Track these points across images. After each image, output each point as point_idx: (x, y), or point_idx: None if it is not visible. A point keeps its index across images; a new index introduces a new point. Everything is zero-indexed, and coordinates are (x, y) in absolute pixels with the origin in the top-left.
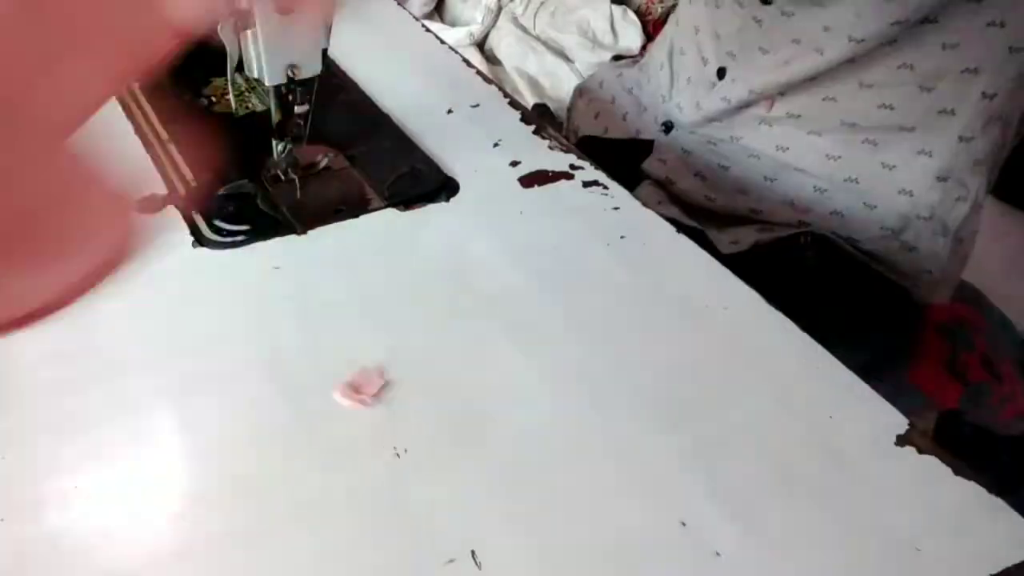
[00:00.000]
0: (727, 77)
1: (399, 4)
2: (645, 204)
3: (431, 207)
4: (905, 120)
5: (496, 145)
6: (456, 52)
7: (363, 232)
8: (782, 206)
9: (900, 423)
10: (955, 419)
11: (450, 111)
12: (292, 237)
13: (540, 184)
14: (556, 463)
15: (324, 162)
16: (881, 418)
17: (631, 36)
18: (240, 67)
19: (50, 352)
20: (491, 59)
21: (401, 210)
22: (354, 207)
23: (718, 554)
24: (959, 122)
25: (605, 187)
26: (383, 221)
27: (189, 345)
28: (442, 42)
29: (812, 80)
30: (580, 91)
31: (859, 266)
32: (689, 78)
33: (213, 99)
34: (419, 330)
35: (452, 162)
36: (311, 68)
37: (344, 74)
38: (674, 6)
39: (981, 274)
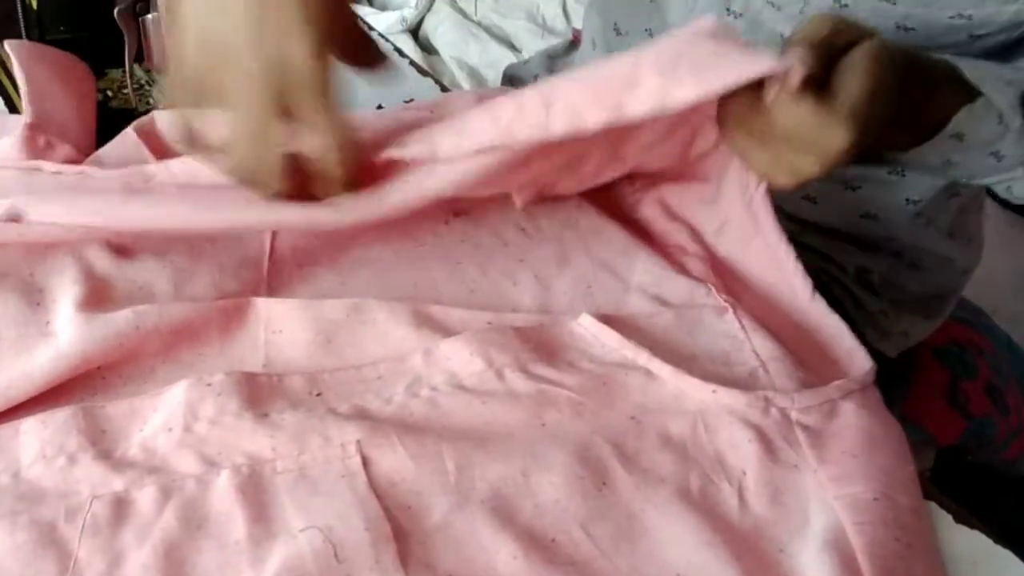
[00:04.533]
0: None
1: None
2: None
3: None
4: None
5: None
6: (387, 40)
7: None
8: None
9: None
10: (956, 458)
11: (380, 107)
12: None
13: None
14: None
15: None
16: None
17: None
18: (140, 57)
19: None
20: (426, 47)
21: None
22: None
23: None
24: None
25: None
26: None
27: None
28: (371, 28)
29: None
30: (509, 79)
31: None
32: None
33: (109, 93)
34: None
35: None
36: None
37: None
38: None
39: (985, 290)
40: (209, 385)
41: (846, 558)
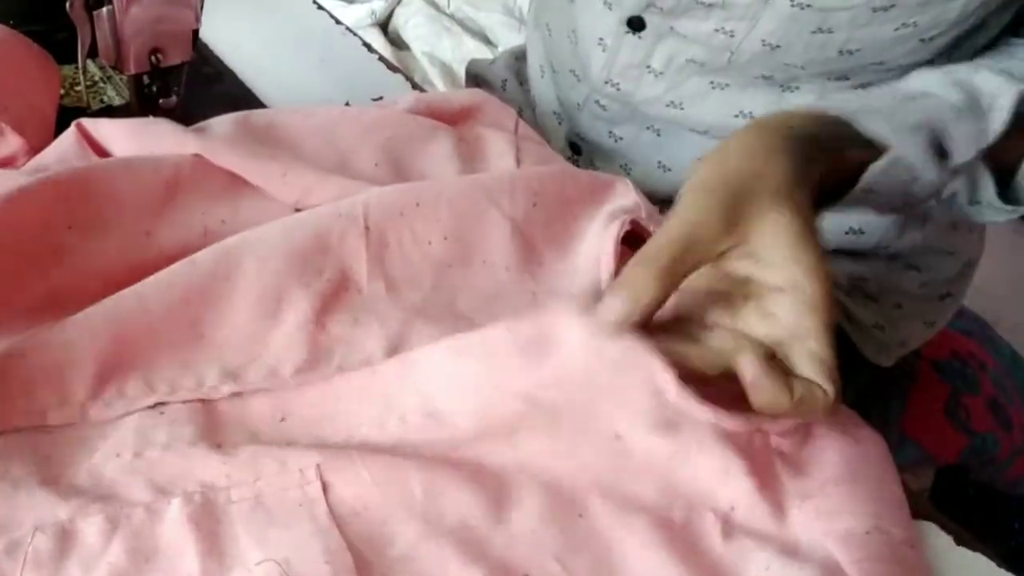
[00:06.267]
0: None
1: None
2: None
3: None
4: None
5: None
6: (355, 34)
7: None
8: None
9: None
10: (956, 477)
11: (348, 105)
12: None
13: None
14: None
15: None
16: None
17: None
18: (93, 52)
19: None
20: (397, 42)
21: None
22: None
23: None
24: None
25: None
26: None
27: None
28: (338, 22)
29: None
30: (474, 78)
31: None
32: (579, 104)
33: (61, 91)
34: None
35: None
36: (178, 54)
37: (219, 61)
38: None
39: (987, 301)
40: (162, 414)
41: None
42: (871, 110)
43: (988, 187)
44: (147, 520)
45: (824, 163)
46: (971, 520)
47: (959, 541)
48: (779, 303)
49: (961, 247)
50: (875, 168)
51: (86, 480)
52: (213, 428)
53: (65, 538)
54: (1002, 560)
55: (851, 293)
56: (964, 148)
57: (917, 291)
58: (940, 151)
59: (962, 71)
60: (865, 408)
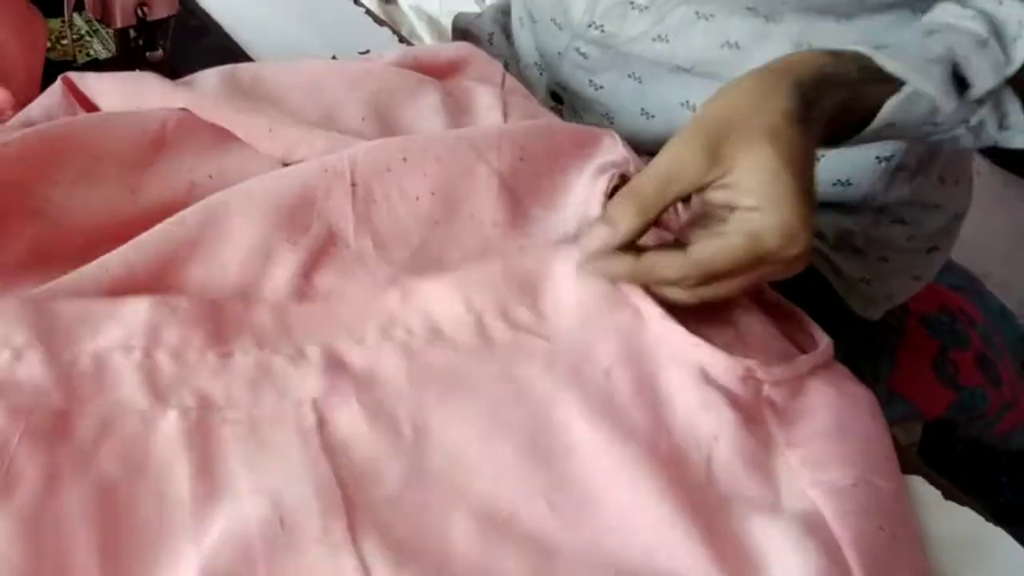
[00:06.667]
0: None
1: None
2: None
3: None
4: None
5: None
6: None
7: None
8: None
9: None
10: (945, 432)
11: (334, 58)
12: None
13: None
14: None
15: None
16: None
17: None
18: (80, 6)
19: None
20: None
21: None
22: None
23: None
24: None
25: None
26: None
27: None
28: None
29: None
30: (460, 32)
31: None
32: (559, 52)
33: (47, 45)
34: None
35: None
36: (165, 7)
37: (206, 14)
38: None
39: (976, 255)
40: (174, 311)
41: (829, 548)
42: (887, 48)
43: (1016, 112)
44: (141, 430)
45: (841, 97)
46: (959, 475)
47: (947, 496)
48: (745, 215)
49: (948, 201)
50: (891, 103)
51: (89, 365)
52: (221, 333)
53: (58, 425)
54: (990, 515)
55: (838, 247)
56: (985, 78)
57: (904, 244)
58: (961, 82)
59: (987, 2)
60: (856, 365)
